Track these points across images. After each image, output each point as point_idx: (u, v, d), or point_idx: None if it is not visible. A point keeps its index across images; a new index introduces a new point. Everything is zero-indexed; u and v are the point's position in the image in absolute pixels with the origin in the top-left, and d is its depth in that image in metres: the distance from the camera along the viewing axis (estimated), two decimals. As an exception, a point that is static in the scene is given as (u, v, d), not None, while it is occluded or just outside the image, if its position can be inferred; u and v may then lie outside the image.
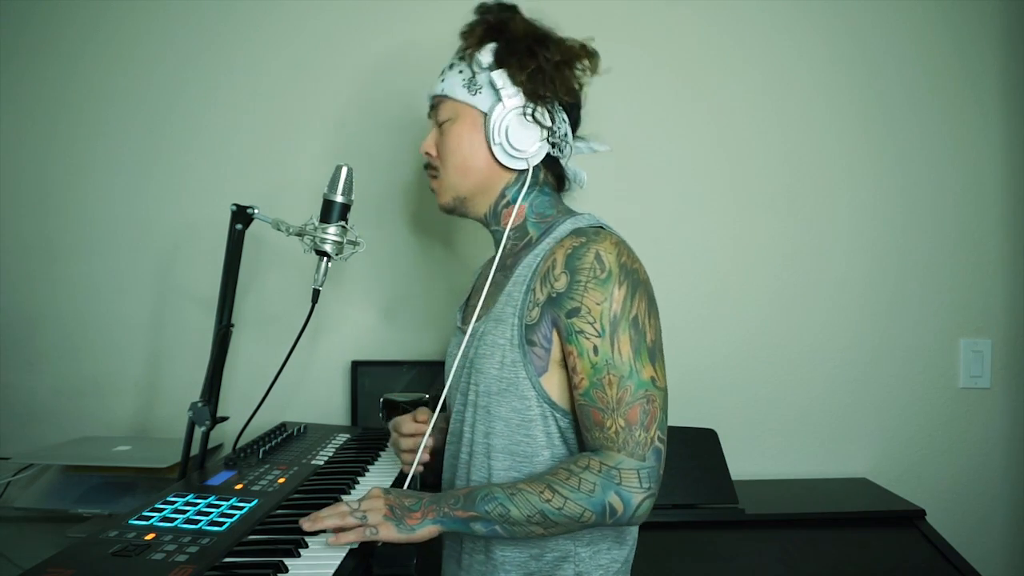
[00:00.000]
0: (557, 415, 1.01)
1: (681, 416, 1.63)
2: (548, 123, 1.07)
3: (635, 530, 1.10)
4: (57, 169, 1.69)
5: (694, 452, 1.57)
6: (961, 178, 1.80)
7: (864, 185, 1.79)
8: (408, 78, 1.68)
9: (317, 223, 1.18)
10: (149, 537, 0.89)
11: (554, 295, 0.99)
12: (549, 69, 1.05)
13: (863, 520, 1.54)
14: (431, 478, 1.60)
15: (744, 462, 1.68)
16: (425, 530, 0.96)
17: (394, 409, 1.62)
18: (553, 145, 1.09)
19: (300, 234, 1.19)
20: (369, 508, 0.95)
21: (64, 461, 1.42)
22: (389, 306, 1.73)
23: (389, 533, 0.94)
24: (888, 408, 1.80)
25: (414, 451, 1.12)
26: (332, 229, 1.18)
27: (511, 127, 1.06)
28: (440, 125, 1.13)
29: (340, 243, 1.18)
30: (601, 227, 1.05)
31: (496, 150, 1.07)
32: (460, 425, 1.08)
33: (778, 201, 1.78)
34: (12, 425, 1.66)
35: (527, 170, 1.09)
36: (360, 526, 0.93)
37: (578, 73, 1.10)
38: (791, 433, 1.78)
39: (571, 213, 1.10)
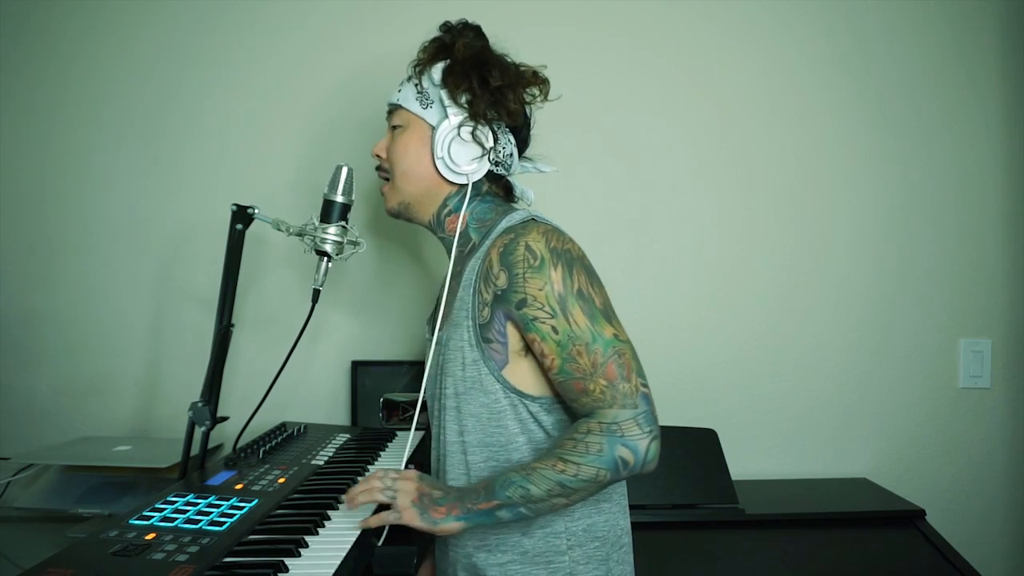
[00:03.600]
0: (525, 401, 1.05)
1: (681, 416, 1.64)
2: (489, 143, 1.11)
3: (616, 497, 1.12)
4: (56, 169, 1.69)
5: (694, 452, 1.57)
6: (961, 178, 1.81)
7: (864, 185, 1.79)
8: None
9: (317, 223, 1.19)
10: (149, 537, 0.89)
11: (499, 292, 1.03)
12: (487, 93, 1.10)
13: (863, 520, 1.53)
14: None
15: (744, 462, 1.68)
16: (448, 525, 0.99)
17: (394, 409, 1.62)
18: (497, 164, 1.14)
19: (300, 234, 1.20)
20: (400, 489, 1.00)
21: (64, 461, 1.42)
22: (389, 306, 1.73)
23: (412, 519, 0.99)
24: (888, 408, 1.80)
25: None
26: (332, 229, 1.18)
27: (452, 144, 1.11)
28: (392, 130, 1.18)
29: (340, 243, 1.18)
30: (532, 219, 1.09)
31: (439, 164, 1.12)
32: (438, 429, 1.12)
33: (779, 201, 1.78)
34: (12, 425, 1.66)
35: (468, 184, 1.13)
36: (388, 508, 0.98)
37: (527, 98, 1.14)
38: (791, 433, 1.78)
39: (507, 213, 1.13)
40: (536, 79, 1.14)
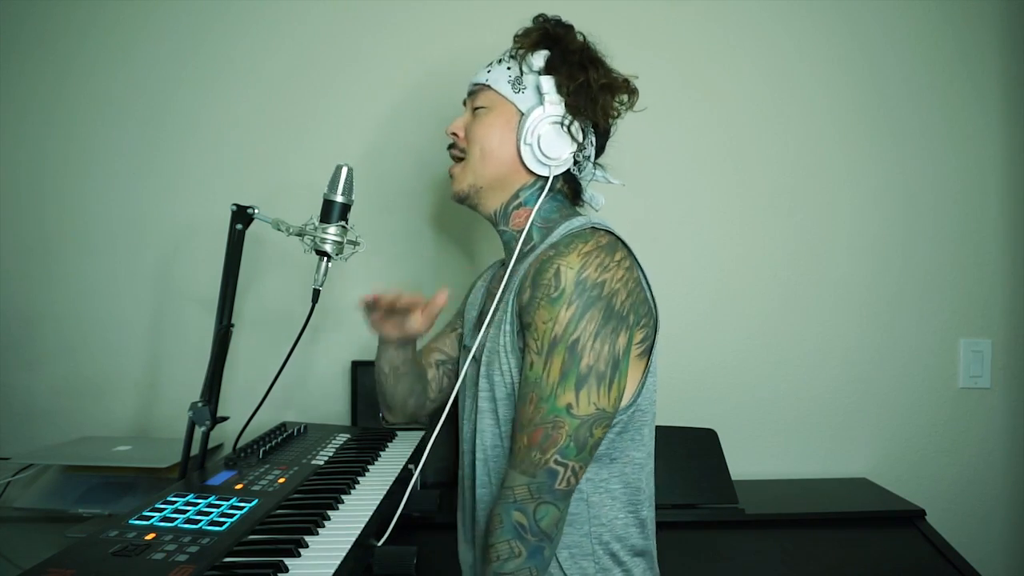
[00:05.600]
0: None
1: (681, 416, 1.64)
2: (580, 139, 1.09)
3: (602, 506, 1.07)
4: (56, 169, 1.69)
5: (694, 452, 1.57)
6: (962, 178, 1.81)
7: (865, 185, 1.79)
8: (409, 78, 1.69)
9: (317, 223, 1.18)
10: (149, 537, 0.89)
11: (521, 307, 1.01)
12: (595, 88, 1.08)
13: (863, 520, 1.53)
14: (431, 479, 1.60)
15: (744, 462, 1.68)
16: None
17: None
18: (576, 162, 1.12)
19: (300, 234, 1.19)
20: None
21: (64, 461, 1.42)
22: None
23: None
24: (888, 408, 1.80)
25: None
26: (332, 229, 1.17)
27: (545, 133, 1.08)
28: (475, 111, 1.15)
29: (340, 243, 1.18)
30: (593, 228, 1.05)
31: (524, 151, 1.09)
32: (471, 432, 1.11)
33: (780, 201, 1.78)
34: (12, 425, 1.66)
35: (547, 177, 1.11)
36: None
37: (616, 104, 1.12)
38: (791, 433, 1.78)
39: (570, 217, 1.11)
40: (627, 87, 1.13)
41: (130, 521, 0.93)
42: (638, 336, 1.02)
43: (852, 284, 1.79)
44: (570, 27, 1.13)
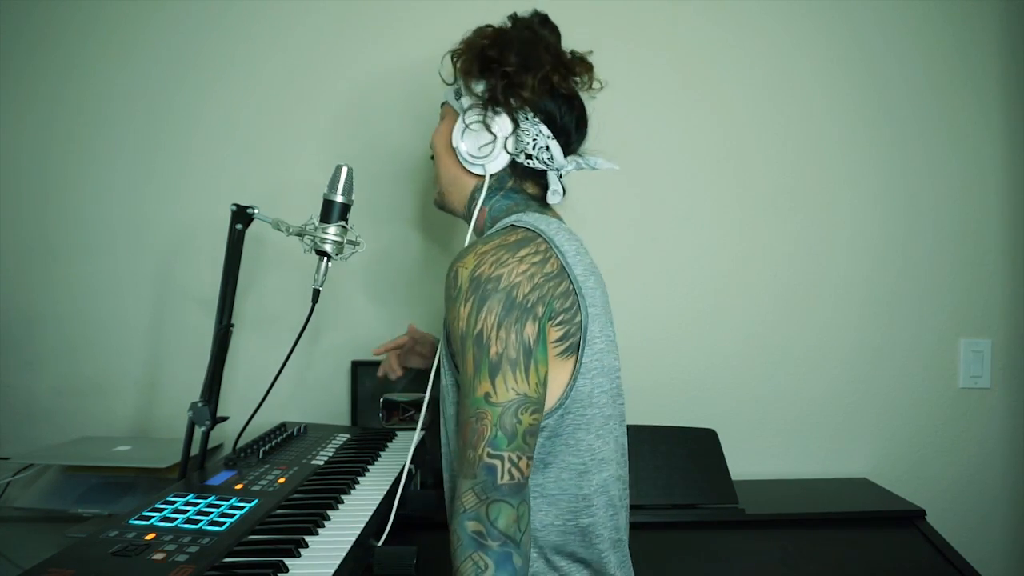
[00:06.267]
0: None
1: (681, 416, 1.64)
2: (503, 132, 1.07)
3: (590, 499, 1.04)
4: (56, 169, 1.69)
5: (694, 452, 1.57)
6: (962, 178, 1.80)
7: (865, 185, 1.79)
8: (408, 77, 1.69)
9: (317, 223, 1.18)
10: (149, 537, 0.89)
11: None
12: (500, 79, 1.05)
13: (863, 520, 1.53)
14: (431, 479, 1.60)
15: (744, 462, 1.68)
16: None
17: (394, 409, 1.62)
18: (528, 157, 1.08)
19: (300, 234, 1.19)
20: None
21: (64, 461, 1.42)
22: (390, 306, 1.73)
23: None
24: (888, 408, 1.80)
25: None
26: (332, 229, 1.17)
27: (465, 133, 1.09)
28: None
29: (340, 243, 1.18)
30: (513, 227, 1.02)
31: (456, 153, 1.11)
32: (443, 432, 1.10)
33: (779, 200, 1.78)
34: (12, 425, 1.66)
35: (485, 175, 1.10)
36: None
37: (557, 83, 1.07)
38: (791, 433, 1.78)
39: (516, 214, 1.07)
40: (575, 63, 1.09)
41: (130, 521, 0.93)
42: (555, 333, 0.98)
43: (852, 284, 1.79)
44: (500, 29, 1.11)
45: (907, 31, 1.79)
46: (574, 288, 1.00)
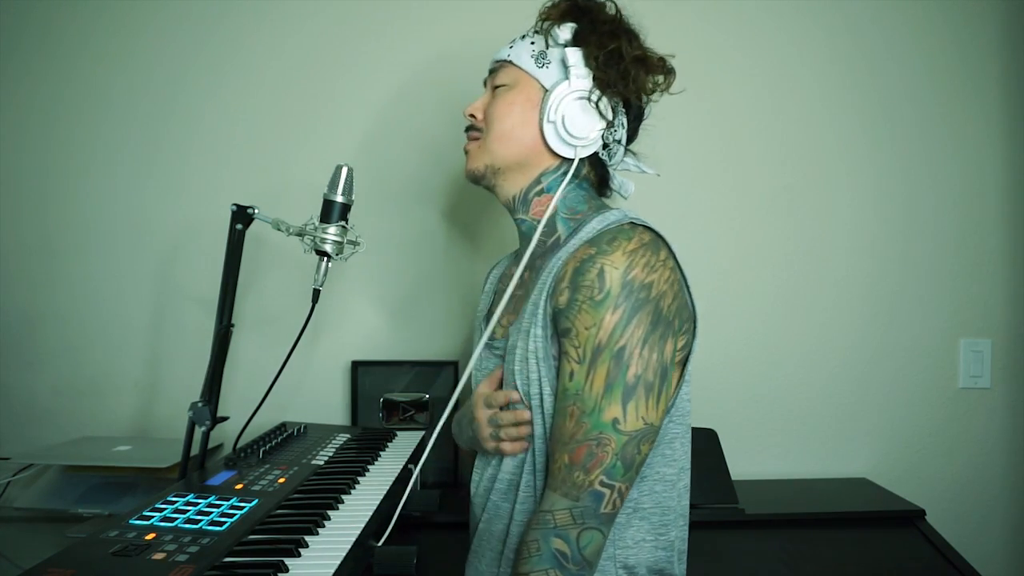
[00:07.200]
0: None
1: (681, 416, 1.64)
2: (609, 117, 1.00)
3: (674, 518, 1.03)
4: (57, 169, 1.69)
5: (694, 452, 1.56)
6: (962, 178, 1.80)
7: (865, 185, 1.79)
8: (409, 77, 1.69)
9: (317, 223, 1.18)
10: (149, 537, 0.89)
11: (557, 310, 0.94)
12: (627, 60, 0.99)
13: (863, 520, 1.53)
14: (431, 479, 1.60)
15: (744, 462, 1.68)
16: None
17: (394, 409, 1.62)
18: (605, 145, 1.02)
19: (300, 234, 1.19)
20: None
21: (64, 461, 1.42)
22: (389, 306, 1.73)
23: None
24: (888, 408, 1.80)
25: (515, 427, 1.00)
26: (332, 229, 1.17)
27: (570, 109, 0.99)
28: (495, 90, 1.07)
29: (340, 243, 1.18)
30: (631, 224, 0.97)
31: (547, 129, 1.00)
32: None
33: (779, 201, 1.78)
34: (12, 425, 1.66)
35: (572, 160, 1.02)
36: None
37: (650, 83, 1.03)
38: (791, 433, 1.78)
39: (601, 210, 1.03)
40: (663, 65, 1.03)
41: (130, 521, 0.93)
42: (679, 343, 0.95)
43: (852, 284, 1.79)
44: (618, 16, 1.05)
45: (907, 31, 1.79)
46: (689, 297, 1.00)
